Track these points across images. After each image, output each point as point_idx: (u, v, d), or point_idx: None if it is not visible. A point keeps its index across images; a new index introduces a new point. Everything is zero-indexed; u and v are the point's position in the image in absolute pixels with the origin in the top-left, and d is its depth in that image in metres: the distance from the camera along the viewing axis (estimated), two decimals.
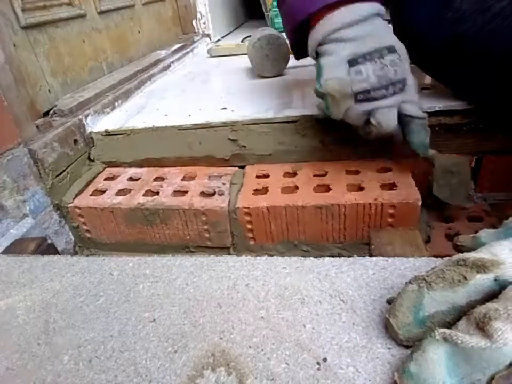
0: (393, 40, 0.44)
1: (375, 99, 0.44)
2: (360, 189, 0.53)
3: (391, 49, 0.43)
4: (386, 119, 0.45)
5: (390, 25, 0.47)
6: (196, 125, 0.63)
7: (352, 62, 0.43)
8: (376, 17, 0.45)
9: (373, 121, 0.45)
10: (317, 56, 0.48)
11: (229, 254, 0.59)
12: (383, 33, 0.44)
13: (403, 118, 0.47)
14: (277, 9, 1.41)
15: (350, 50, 0.43)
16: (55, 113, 0.68)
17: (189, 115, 0.67)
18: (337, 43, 0.44)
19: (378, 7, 0.45)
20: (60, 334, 0.33)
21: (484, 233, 0.30)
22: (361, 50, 0.43)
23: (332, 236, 0.54)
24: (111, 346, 0.31)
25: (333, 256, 0.37)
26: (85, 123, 0.68)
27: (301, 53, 0.56)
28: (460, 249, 0.31)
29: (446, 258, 0.30)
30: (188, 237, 0.59)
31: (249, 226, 0.55)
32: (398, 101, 0.45)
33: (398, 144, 0.52)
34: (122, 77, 0.87)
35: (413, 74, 0.46)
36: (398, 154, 0.58)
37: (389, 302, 0.30)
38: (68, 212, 0.61)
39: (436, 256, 0.35)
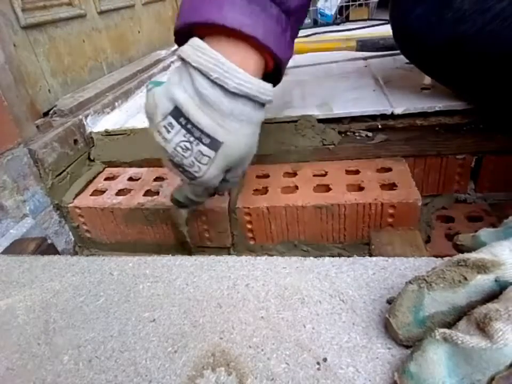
0: (230, 140, 0.36)
1: (168, 161, 0.39)
2: (360, 189, 0.53)
3: (214, 145, 0.35)
4: (166, 164, 0.41)
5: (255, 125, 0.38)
6: None
7: (176, 111, 0.35)
8: (254, 103, 0.36)
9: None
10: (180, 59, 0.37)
11: (229, 254, 0.59)
12: (232, 123, 0.36)
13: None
14: None
15: (182, 98, 0.35)
16: (55, 113, 0.68)
17: None
18: (187, 78, 0.35)
19: (270, 95, 0.37)
20: (60, 334, 0.33)
21: (484, 233, 0.30)
22: (188, 111, 0.35)
23: (331, 236, 0.54)
24: (111, 346, 0.31)
25: (333, 256, 0.37)
26: (85, 123, 0.68)
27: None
28: (459, 248, 0.31)
29: (446, 259, 0.30)
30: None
31: (249, 226, 0.55)
32: (187, 182, 0.40)
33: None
34: (122, 77, 0.87)
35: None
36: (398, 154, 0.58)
37: (389, 302, 0.30)
38: (67, 211, 0.61)
39: (436, 256, 0.35)
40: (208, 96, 0.35)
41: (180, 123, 0.36)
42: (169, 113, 0.36)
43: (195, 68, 0.35)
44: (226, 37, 0.35)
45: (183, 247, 0.58)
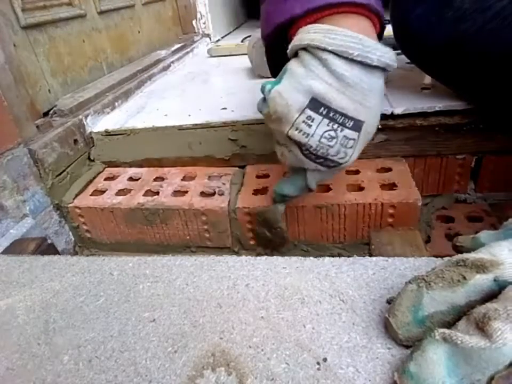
0: (370, 116, 0.36)
1: (302, 154, 0.38)
2: (360, 189, 0.53)
3: (357, 126, 0.35)
4: (293, 162, 0.40)
5: (382, 89, 0.37)
6: (196, 125, 0.63)
7: (313, 102, 0.34)
8: (384, 73, 0.36)
9: (282, 158, 0.41)
10: (294, 55, 0.38)
11: (229, 254, 0.59)
12: (371, 99, 0.35)
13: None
14: None
15: (320, 87, 0.34)
16: (55, 113, 0.68)
17: (189, 115, 0.67)
18: (318, 66, 0.35)
19: (392, 59, 0.36)
20: (60, 334, 0.33)
21: (484, 234, 0.30)
22: (329, 99, 0.34)
23: (331, 236, 0.54)
24: (111, 346, 0.31)
25: (333, 256, 0.37)
26: (85, 123, 0.68)
27: (274, 68, 0.45)
28: (459, 249, 0.31)
29: (446, 259, 0.30)
30: (188, 237, 0.59)
31: (249, 226, 0.55)
32: (316, 171, 0.39)
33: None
34: (122, 77, 0.87)
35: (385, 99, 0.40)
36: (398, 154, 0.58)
37: (389, 302, 0.30)
38: (67, 211, 0.61)
39: (436, 256, 0.35)
40: (349, 77, 0.34)
41: (320, 114, 0.35)
42: (305, 107, 0.35)
43: (330, 52, 0.33)
44: (338, 13, 0.34)
45: (279, 245, 0.54)
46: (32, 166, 0.57)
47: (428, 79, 0.63)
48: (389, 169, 0.56)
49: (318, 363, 0.27)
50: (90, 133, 0.69)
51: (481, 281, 0.25)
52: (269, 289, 0.34)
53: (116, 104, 0.79)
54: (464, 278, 0.25)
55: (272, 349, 0.28)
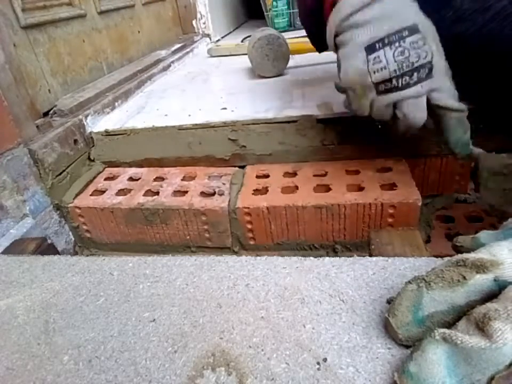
0: (416, 18, 0.39)
1: (398, 88, 0.40)
2: (360, 189, 0.53)
3: (413, 30, 0.38)
4: (413, 111, 0.40)
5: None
6: (196, 125, 0.63)
7: (370, 49, 0.39)
8: None
9: (398, 114, 0.41)
10: (336, 48, 0.44)
11: (229, 254, 0.59)
12: (402, 10, 0.39)
13: (436, 111, 0.41)
14: (277, 9, 1.41)
15: (366, 36, 0.39)
16: (55, 113, 0.68)
17: (189, 115, 0.67)
18: (352, 30, 0.40)
19: None
20: (60, 334, 0.33)
21: (483, 234, 0.30)
22: (378, 34, 0.39)
23: (332, 236, 0.54)
24: (111, 346, 0.31)
25: (333, 256, 0.37)
26: (85, 123, 0.68)
27: (320, 44, 0.51)
28: (459, 249, 0.31)
29: (446, 259, 0.30)
30: (188, 237, 0.59)
31: (249, 226, 0.55)
32: (425, 89, 0.40)
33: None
34: (122, 77, 0.87)
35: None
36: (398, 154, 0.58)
37: (389, 302, 0.30)
38: (68, 212, 0.61)
39: (436, 256, 0.35)
40: (373, 13, 0.39)
41: (379, 48, 0.39)
42: (367, 55, 0.40)
43: (350, 15, 0.40)
44: None
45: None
46: (32, 166, 0.57)
47: None
48: (389, 169, 0.56)
49: (318, 363, 0.27)
50: (90, 133, 0.69)
51: (481, 281, 0.25)
52: (269, 289, 0.34)
53: (116, 104, 0.79)
54: (464, 278, 0.25)
55: (272, 349, 0.28)
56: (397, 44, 0.38)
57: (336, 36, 0.42)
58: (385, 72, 0.39)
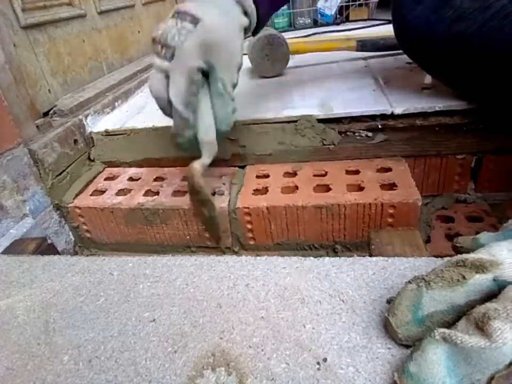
0: (207, 16, 0.41)
1: (156, 54, 0.43)
2: (360, 189, 0.53)
3: (195, 20, 0.41)
4: (151, 82, 0.43)
5: None
6: None
7: (174, 14, 0.43)
8: (234, 4, 0.43)
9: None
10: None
11: (229, 254, 0.59)
12: (206, 5, 0.43)
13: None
14: None
15: (181, 5, 0.43)
16: (55, 113, 0.68)
17: None
18: None
19: None
20: (60, 334, 0.33)
21: (483, 235, 0.30)
22: (180, 7, 0.42)
23: (332, 236, 0.54)
24: (111, 346, 0.31)
25: (333, 256, 0.37)
26: (85, 123, 0.68)
27: None
28: (459, 250, 0.31)
29: (446, 259, 0.30)
30: (188, 237, 0.59)
31: (249, 226, 0.55)
32: (165, 66, 0.42)
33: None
34: (122, 77, 0.87)
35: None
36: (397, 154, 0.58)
37: (389, 302, 0.30)
38: (68, 211, 0.61)
39: (436, 256, 0.35)
40: None
41: (174, 17, 0.42)
42: (170, 17, 0.43)
43: None
44: None
45: (212, 231, 0.53)
46: (32, 166, 0.57)
47: (428, 79, 0.63)
48: (389, 169, 0.56)
49: (318, 363, 0.27)
50: (90, 133, 0.69)
51: (480, 281, 0.25)
52: (269, 289, 0.34)
53: (116, 104, 0.79)
54: (464, 277, 0.25)
55: (272, 349, 0.28)
56: (178, 20, 0.42)
57: None
58: (157, 32, 0.43)
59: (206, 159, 0.45)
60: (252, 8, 0.45)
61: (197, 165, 0.45)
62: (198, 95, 0.43)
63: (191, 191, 0.47)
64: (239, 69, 0.46)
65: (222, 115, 0.44)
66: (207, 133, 0.44)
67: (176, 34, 0.41)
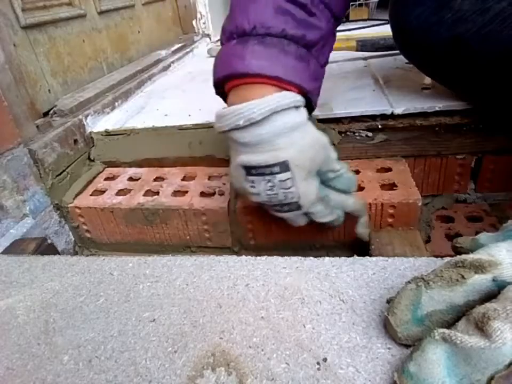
0: (290, 152, 0.38)
1: (274, 210, 0.43)
2: (360, 189, 0.53)
3: (284, 166, 0.38)
4: (295, 221, 0.44)
5: (304, 122, 0.40)
6: (196, 125, 0.63)
7: (247, 170, 0.40)
8: (280, 114, 0.38)
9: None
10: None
11: (229, 254, 0.59)
12: (279, 141, 0.38)
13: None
14: None
15: (243, 157, 0.40)
16: (55, 113, 0.68)
17: (189, 115, 0.67)
18: (233, 143, 0.41)
19: (292, 99, 0.38)
20: (60, 334, 0.33)
21: (483, 236, 0.31)
22: (251, 160, 0.39)
23: (332, 236, 0.54)
24: (111, 346, 0.31)
25: (333, 256, 0.37)
26: (85, 123, 0.68)
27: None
28: (458, 250, 0.31)
29: (445, 259, 0.30)
30: (188, 237, 0.59)
31: (249, 226, 0.55)
32: (298, 214, 0.43)
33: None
34: (122, 77, 0.87)
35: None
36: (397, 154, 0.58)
37: (389, 302, 0.30)
38: (68, 211, 0.61)
39: (436, 256, 0.35)
40: (249, 139, 0.39)
41: (255, 174, 0.40)
42: (245, 174, 0.40)
43: (230, 130, 0.39)
44: (254, 83, 0.39)
45: None
46: (32, 166, 0.57)
47: (428, 79, 0.63)
48: (389, 169, 0.56)
49: (318, 363, 0.27)
50: (90, 133, 0.69)
51: (479, 281, 0.25)
52: (269, 289, 0.34)
53: (116, 104, 0.79)
54: (463, 277, 0.25)
55: (272, 349, 0.28)
56: (268, 178, 0.39)
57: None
58: (259, 198, 0.41)
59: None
60: (293, 97, 0.40)
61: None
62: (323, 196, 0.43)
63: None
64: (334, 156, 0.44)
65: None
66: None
67: (284, 192, 0.40)
